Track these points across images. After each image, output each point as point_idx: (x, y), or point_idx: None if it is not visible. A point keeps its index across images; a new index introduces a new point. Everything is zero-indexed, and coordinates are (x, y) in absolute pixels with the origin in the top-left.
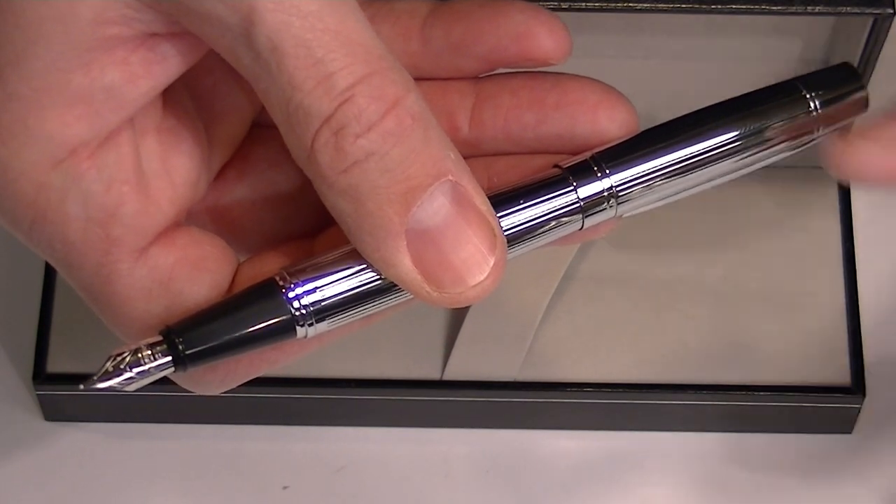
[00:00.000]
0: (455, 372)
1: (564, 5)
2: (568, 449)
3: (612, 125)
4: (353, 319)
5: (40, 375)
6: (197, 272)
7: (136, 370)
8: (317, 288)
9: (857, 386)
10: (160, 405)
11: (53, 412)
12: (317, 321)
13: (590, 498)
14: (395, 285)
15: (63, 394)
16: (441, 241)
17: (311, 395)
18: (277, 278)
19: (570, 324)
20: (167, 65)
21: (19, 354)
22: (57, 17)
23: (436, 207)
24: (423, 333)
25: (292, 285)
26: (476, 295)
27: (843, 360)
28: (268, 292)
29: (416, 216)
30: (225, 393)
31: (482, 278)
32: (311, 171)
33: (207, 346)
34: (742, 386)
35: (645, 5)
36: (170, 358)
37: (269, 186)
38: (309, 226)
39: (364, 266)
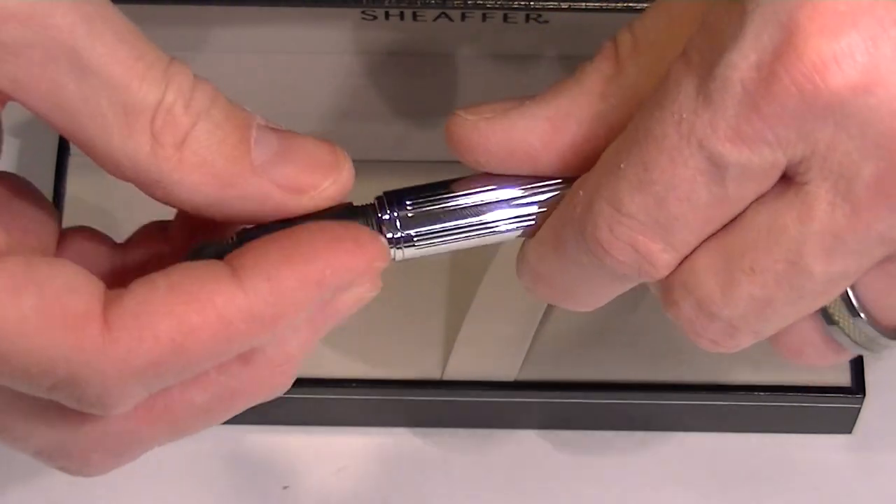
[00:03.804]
0: (455, 372)
1: (564, 5)
2: (568, 449)
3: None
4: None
5: None
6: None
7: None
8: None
9: (857, 386)
10: None
11: None
12: (405, 243)
13: (589, 498)
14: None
15: None
16: (287, 160)
17: (311, 395)
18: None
19: (570, 324)
20: None
21: None
22: None
23: (267, 140)
24: (423, 333)
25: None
26: (342, 188)
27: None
28: (358, 213)
29: (257, 155)
30: None
31: (342, 170)
32: (156, 163)
33: None
34: (742, 386)
35: (644, 5)
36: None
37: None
38: None
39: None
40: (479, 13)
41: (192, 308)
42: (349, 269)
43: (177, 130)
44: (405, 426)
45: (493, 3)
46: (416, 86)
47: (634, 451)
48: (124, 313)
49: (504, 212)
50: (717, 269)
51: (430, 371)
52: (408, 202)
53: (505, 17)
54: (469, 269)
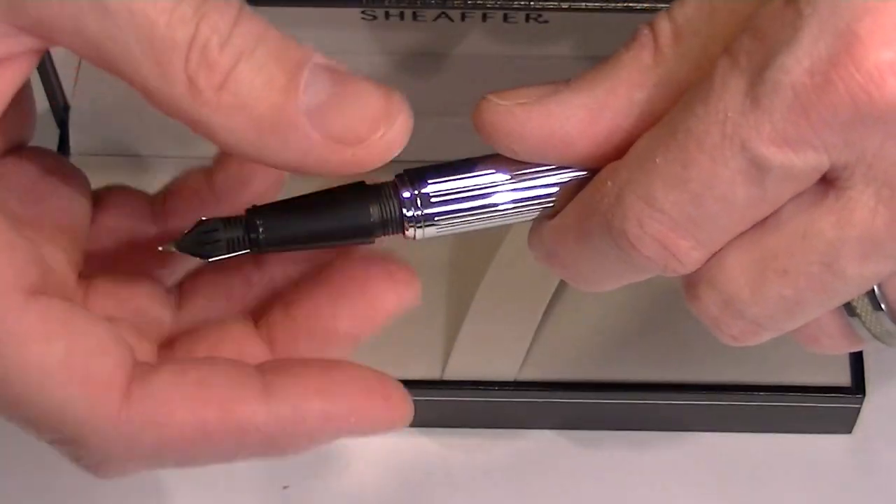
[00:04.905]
0: (455, 372)
1: (564, 5)
2: (568, 449)
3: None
4: (460, 225)
5: None
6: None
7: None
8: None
9: (857, 386)
10: None
11: None
12: (426, 222)
13: (590, 498)
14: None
15: None
16: (338, 108)
17: None
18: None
19: (570, 324)
20: None
21: None
22: None
23: (319, 84)
24: (423, 333)
25: (403, 187)
26: (391, 143)
27: (843, 360)
28: (378, 191)
29: (305, 100)
30: None
31: (393, 124)
32: (194, 105)
33: (287, 232)
34: (742, 386)
35: (645, 5)
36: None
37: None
38: None
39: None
40: (479, 13)
41: (214, 412)
42: (372, 423)
43: (214, 71)
44: (405, 426)
45: (493, 3)
46: (416, 86)
47: (634, 451)
48: (148, 395)
49: (526, 192)
50: (747, 269)
51: (430, 371)
52: (429, 180)
53: (505, 17)
54: (469, 269)
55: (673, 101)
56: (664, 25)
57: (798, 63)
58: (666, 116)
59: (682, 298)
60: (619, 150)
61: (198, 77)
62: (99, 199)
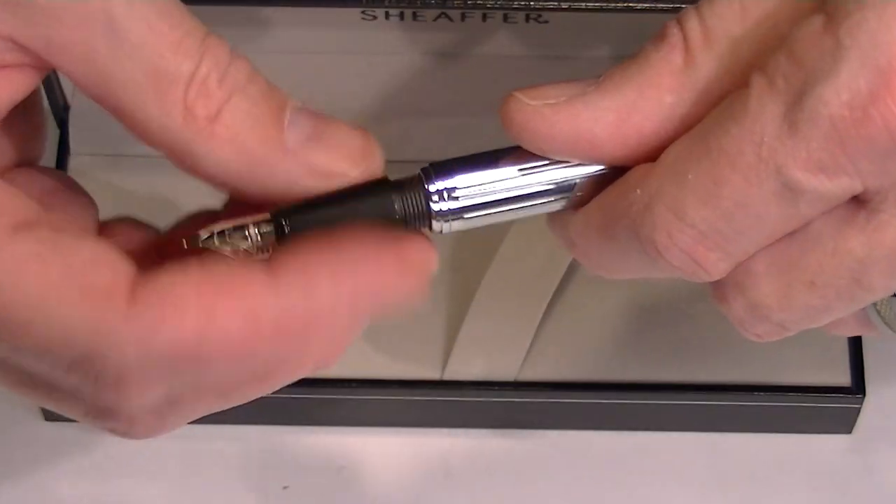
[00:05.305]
0: (455, 372)
1: (564, 5)
2: (568, 449)
3: None
4: (485, 216)
5: None
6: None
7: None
8: (451, 179)
9: (857, 386)
10: None
11: (54, 412)
12: (453, 216)
13: (590, 498)
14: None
15: None
16: (321, 144)
17: (311, 395)
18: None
19: (570, 324)
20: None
21: None
22: None
23: (301, 123)
24: (423, 333)
25: (431, 178)
26: (368, 176)
27: (843, 360)
28: (403, 185)
29: (289, 135)
30: None
31: (373, 161)
32: (187, 135)
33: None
34: (742, 386)
35: (645, 5)
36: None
37: None
38: None
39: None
40: (479, 13)
41: (222, 297)
42: (390, 290)
43: (210, 103)
44: (405, 426)
45: (493, 3)
46: (416, 86)
47: (634, 451)
48: (151, 291)
49: (550, 185)
50: (775, 277)
51: (430, 371)
52: (454, 174)
53: (505, 17)
54: (469, 269)
55: (703, 105)
56: (693, 25)
57: (837, 95)
58: (697, 127)
59: (682, 299)
60: (648, 152)
61: (195, 107)
62: (105, 226)
